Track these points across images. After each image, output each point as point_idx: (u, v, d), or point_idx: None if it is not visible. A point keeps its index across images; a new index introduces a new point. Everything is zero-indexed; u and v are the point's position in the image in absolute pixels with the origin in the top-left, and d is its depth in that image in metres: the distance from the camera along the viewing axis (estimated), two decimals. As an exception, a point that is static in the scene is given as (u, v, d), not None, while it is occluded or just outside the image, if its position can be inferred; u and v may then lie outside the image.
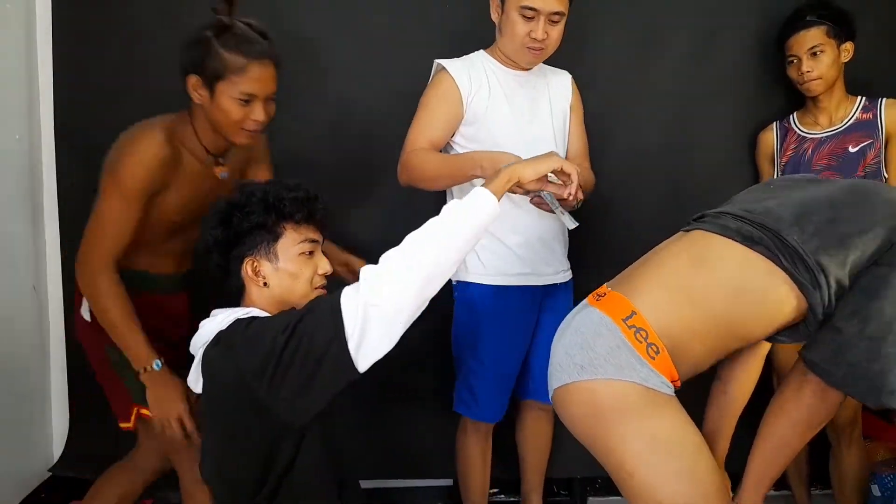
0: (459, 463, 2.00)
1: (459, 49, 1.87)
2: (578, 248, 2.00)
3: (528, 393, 1.96)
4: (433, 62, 1.85)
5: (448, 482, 2.28)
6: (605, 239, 2.15)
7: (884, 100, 2.00)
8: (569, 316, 1.32)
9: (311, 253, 1.34)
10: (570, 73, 1.96)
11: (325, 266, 1.36)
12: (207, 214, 1.37)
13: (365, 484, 2.20)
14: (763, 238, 1.19)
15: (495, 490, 2.30)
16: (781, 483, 1.47)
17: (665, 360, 1.16)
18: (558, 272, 1.89)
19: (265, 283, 1.31)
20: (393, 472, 2.26)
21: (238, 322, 1.23)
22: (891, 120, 1.97)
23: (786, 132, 2.09)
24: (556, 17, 1.70)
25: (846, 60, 1.99)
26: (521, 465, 2.10)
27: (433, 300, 2.05)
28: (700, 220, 1.35)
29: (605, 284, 1.31)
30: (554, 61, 1.90)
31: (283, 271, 1.31)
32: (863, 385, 1.17)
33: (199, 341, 1.28)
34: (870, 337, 1.14)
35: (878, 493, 2.08)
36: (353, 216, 2.16)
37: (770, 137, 2.12)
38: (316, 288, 1.35)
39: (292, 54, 2.04)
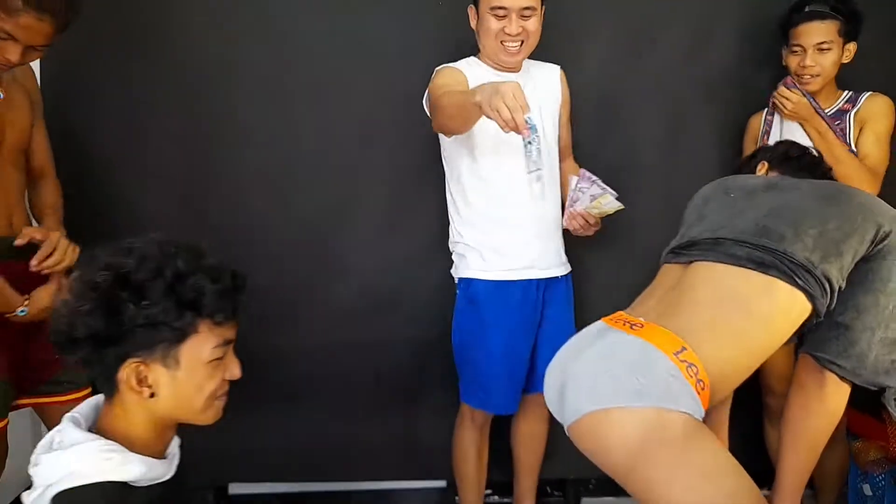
0: (455, 457, 2.02)
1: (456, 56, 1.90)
2: (571, 243, 2.01)
3: (533, 386, 1.95)
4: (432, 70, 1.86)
5: (442, 484, 2.27)
6: (599, 234, 2.14)
7: (868, 93, 1.97)
8: (582, 336, 1.32)
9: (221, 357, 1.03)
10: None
11: (235, 370, 1.06)
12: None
13: (361, 486, 2.21)
14: (774, 262, 1.25)
15: (489, 491, 2.30)
16: (771, 482, 1.49)
17: (707, 394, 1.20)
18: (557, 265, 1.94)
19: (152, 395, 0.98)
20: (386, 473, 2.26)
21: None
22: (866, 109, 1.94)
23: (770, 124, 2.06)
24: (527, 13, 1.73)
25: (846, 62, 1.95)
26: (514, 466, 2.11)
27: (431, 306, 2.04)
28: (694, 248, 1.36)
29: (622, 312, 1.32)
30: (545, 59, 1.93)
31: (185, 382, 0.98)
32: (862, 370, 1.30)
33: (39, 481, 0.96)
34: (870, 327, 1.29)
35: (870, 493, 2.10)
36: (347, 227, 2.15)
37: (757, 123, 2.10)
38: (218, 398, 1.04)
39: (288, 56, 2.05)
